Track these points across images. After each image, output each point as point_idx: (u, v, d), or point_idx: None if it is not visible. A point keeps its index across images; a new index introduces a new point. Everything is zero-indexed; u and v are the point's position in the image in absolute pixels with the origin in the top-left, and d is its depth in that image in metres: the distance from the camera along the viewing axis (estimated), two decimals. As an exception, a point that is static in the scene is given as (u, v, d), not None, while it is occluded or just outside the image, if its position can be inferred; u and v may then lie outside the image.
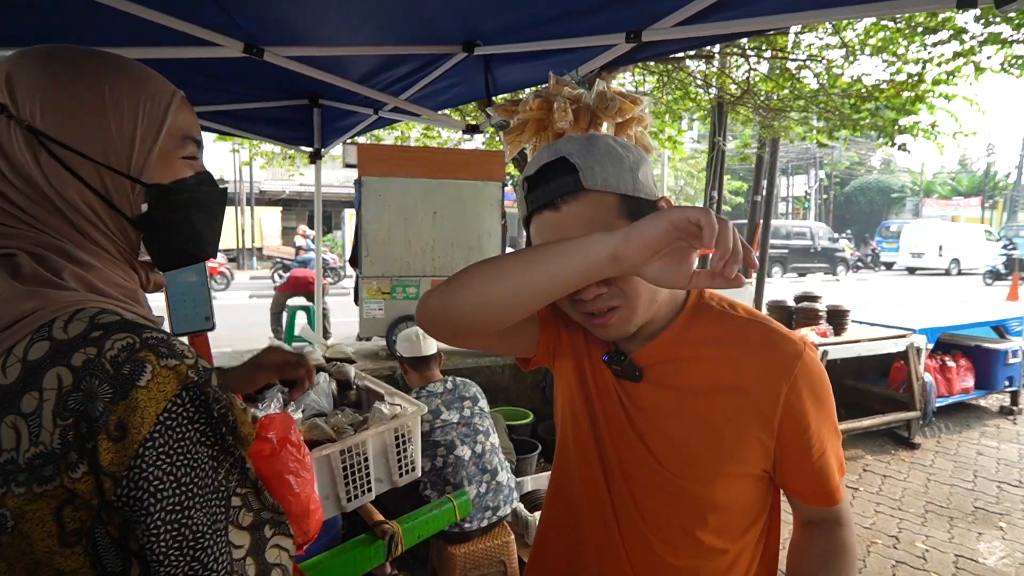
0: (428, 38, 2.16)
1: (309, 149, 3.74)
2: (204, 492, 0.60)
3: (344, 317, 7.87)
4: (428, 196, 6.27)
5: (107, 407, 0.55)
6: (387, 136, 8.90)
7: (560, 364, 0.98)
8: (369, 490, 1.53)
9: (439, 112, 2.83)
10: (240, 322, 9.29)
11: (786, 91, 6.40)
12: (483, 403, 2.70)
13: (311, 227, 7.61)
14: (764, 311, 5.51)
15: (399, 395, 1.73)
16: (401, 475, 1.63)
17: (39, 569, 0.57)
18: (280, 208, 23.14)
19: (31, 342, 0.57)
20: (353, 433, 1.51)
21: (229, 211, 21.27)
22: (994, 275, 18.96)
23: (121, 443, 0.55)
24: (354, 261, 6.51)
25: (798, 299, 4.96)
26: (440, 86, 2.54)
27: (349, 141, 7.39)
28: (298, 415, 1.49)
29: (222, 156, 15.47)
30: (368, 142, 8.04)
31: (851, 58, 5.89)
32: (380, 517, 1.50)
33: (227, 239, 21.51)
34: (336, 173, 19.21)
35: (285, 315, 7.18)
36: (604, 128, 1.66)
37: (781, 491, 0.92)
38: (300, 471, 1.17)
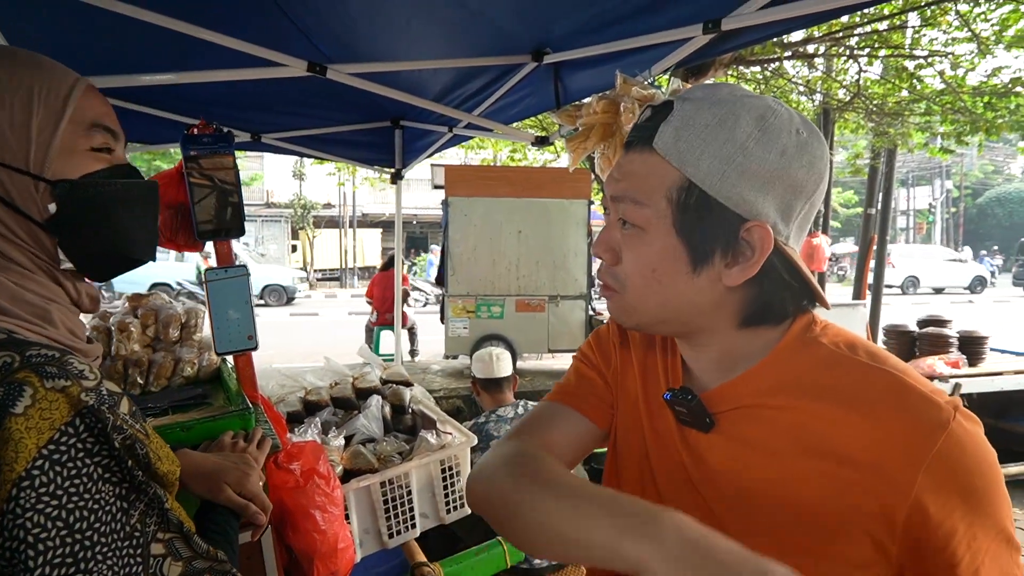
0: (498, 48, 2.11)
1: (391, 170, 3.81)
2: (109, 540, 0.50)
3: (431, 335, 8.00)
4: (513, 215, 6.28)
5: None
6: (475, 158, 9.06)
7: (617, 415, 0.81)
8: (413, 526, 1.43)
9: (511, 125, 2.77)
10: (338, 338, 9.74)
11: (903, 92, 5.78)
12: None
13: (408, 248, 7.84)
14: (880, 337, 4.93)
15: (451, 423, 1.62)
16: (449, 511, 1.51)
17: None
18: (381, 229, 24.29)
19: None
20: (400, 462, 1.42)
21: (333, 233, 22.67)
22: None
23: None
24: (440, 280, 6.63)
25: (922, 323, 4.38)
26: (511, 99, 2.49)
27: (434, 162, 7.60)
28: (339, 441, 1.42)
29: (325, 181, 16.49)
30: (457, 164, 8.22)
31: (984, 52, 5.21)
32: (422, 558, 1.39)
33: (331, 259, 22.88)
34: (433, 195, 19.94)
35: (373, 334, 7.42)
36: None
37: None
38: (328, 506, 1.08)
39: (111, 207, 0.65)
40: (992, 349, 4.31)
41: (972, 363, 4.06)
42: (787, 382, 0.63)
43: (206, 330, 1.52)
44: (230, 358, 1.46)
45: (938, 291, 20.51)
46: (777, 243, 0.60)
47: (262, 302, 15.96)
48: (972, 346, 4.11)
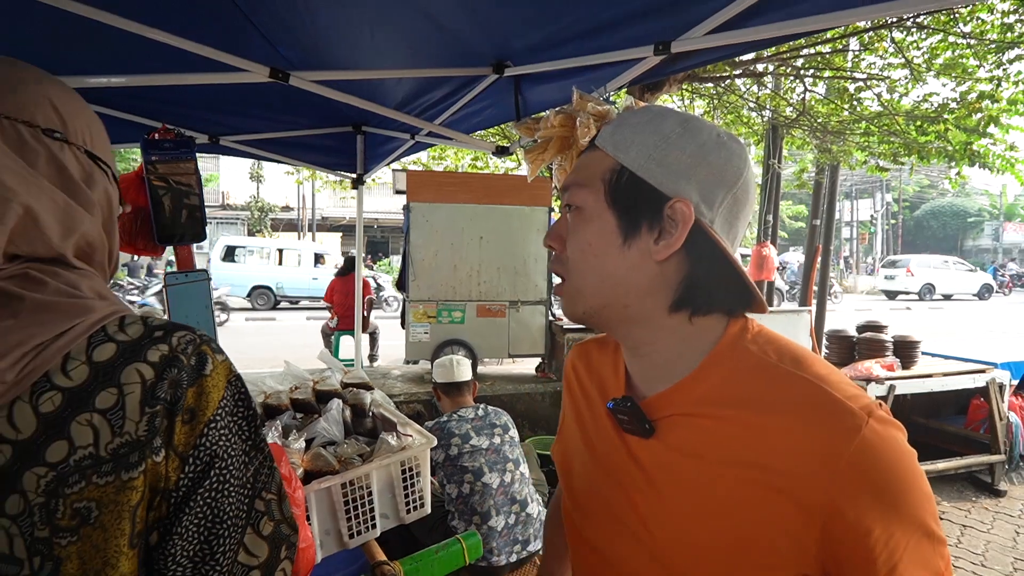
0: (459, 60, 2.15)
1: (352, 175, 3.81)
2: (235, 482, 0.63)
3: (392, 340, 7.95)
4: (475, 221, 6.32)
5: (182, 394, 0.60)
6: (437, 166, 9.06)
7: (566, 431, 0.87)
8: (373, 526, 1.45)
9: (471, 135, 2.82)
10: (296, 343, 9.55)
11: (845, 113, 6.11)
12: (513, 432, 2.63)
13: (366, 252, 7.76)
14: (824, 342, 5.18)
15: (411, 425, 1.65)
16: (409, 511, 1.54)
17: (104, 572, 0.58)
18: (341, 233, 23.93)
19: (91, 346, 0.60)
20: (361, 464, 1.44)
21: (292, 236, 22.19)
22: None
23: (191, 424, 0.60)
24: (401, 285, 6.60)
25: (861, 329, 4.64)
26: (472, 109, 2.54)
27: (398, 167, 7.57)
28: (300, 444, 1.43)
29: (284, 183, 16.17)
30: (418, 169, 8.20)
31: (916, 79, 5.56)
32: (382, 557, 1.42)
33: (288, 264, 22.38)
34: (395, 199, 19.79)
35: (333, 339, 7.33)
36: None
37: None
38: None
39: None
40: (924, 353, 4.59)
41: (905, 366, 4.32)
42: (716, 390, 0.66)
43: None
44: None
45: (947, 297, 21.98)
46: (702, 223, 0.65)
47: (248, 304, 15.39)
48: (906, 350, 4.37)
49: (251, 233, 21.59)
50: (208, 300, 1.26)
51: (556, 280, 0.79)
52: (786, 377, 0.63)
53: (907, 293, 21.72)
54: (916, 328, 5.56)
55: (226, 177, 23.04)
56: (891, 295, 22.30)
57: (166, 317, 1.47)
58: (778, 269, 7.40)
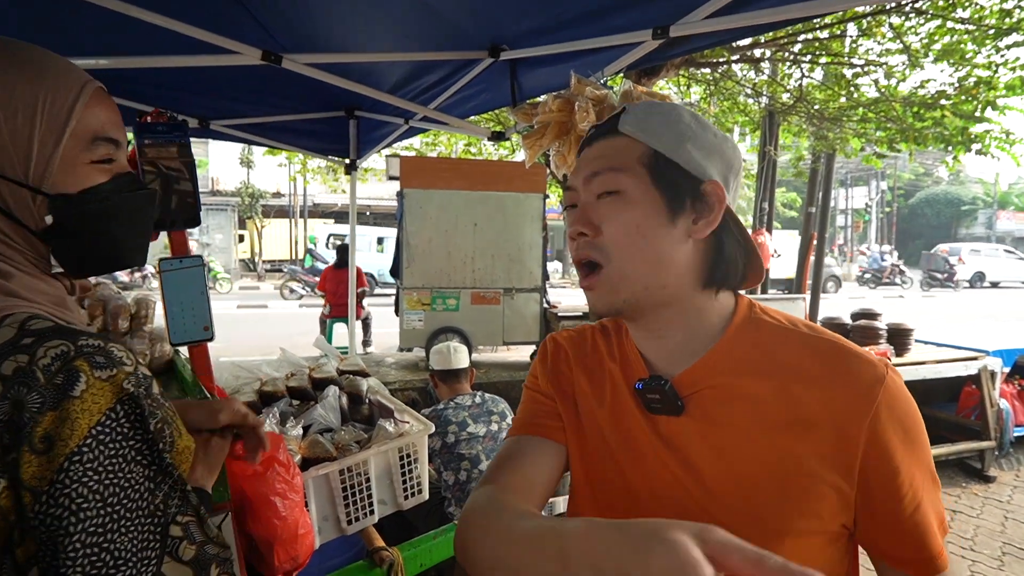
0: (454, 44, 2.12)
1: (346, 160, 3.77)
2: (135, 516, 0.56)
3: (386, 327, 7.94)
4: (469, 208, 6.29)
5: (33, 417, 0.52)
6: (430, 151, 9.00)
7: (570, 428, 0.83)
8: (371, 512, 1.45)
9: (466, 120, 2.79)
10: (291, 331, 9.53)
11: (842, 99, 6.09)
12: (511, 419, 2.63)
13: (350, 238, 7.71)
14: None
15: (408, 412, 1.65)
16: (407, 497, 1.54)
17: None
18: (332, 220, 23.79)
19: None
20: (358, 450, 1.44)
21: (283, 223, 22.06)
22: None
23: (46, 456, 0.52)
24: (395, 272, 6.58)
25: (855, 316, 4.66)
26: (467, 93, 2.51)
27: (389, 153, 7.52)
28: (297, 431, 1.43)
29: (275, 169, 16.05)
30: (411, 155, 8.14)
31: (914, 64, 5.54)
32: (380, 543, 1.42)
33: (280, 250, 22.29)
34: (388, 186, 19.68)
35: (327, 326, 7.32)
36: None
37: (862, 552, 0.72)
38: (288, 492, 1.10)
39: (106, 221, 0.66)
40: (917, 340, 4.62)
41: (899, 353, 4.35)
42: (743, 359, 0.71)
43: (157, 321, 1.50)
44: (183, 349, 1.44)
45: (994, 285, 22.32)
46: (727, 204, 0.71)
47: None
48: (899, 337, 4.40)
49: (241, 220, 21.43)
50: (203, 286, 1.24)
51: (574, 264, 0.76)
52: (809, 339, 0.71)
53: (958, 282, 21.84)
54: (910, 316, 5.59)
55: (216, 163, 22.84)
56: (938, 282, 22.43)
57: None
58: (773, 256, 7.40)
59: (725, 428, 0.69)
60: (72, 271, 0.68)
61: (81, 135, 0.63)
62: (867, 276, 22.24)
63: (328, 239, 17.92)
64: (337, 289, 7.05)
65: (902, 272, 22.12)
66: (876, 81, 5.78)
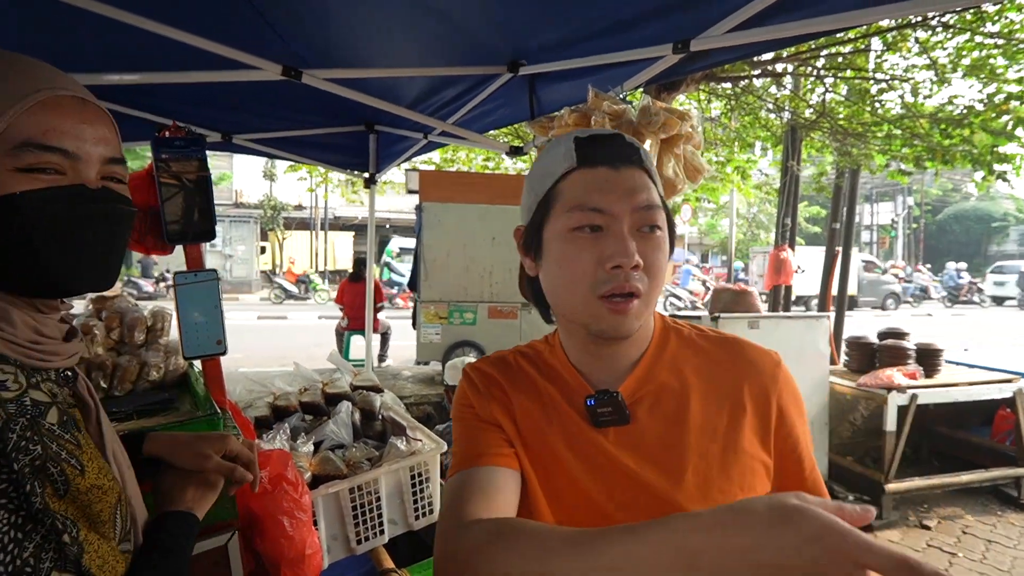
0: (474, 59, 2.13)
1: (365, 174, 3.80)
2: None
3: (403, 341, 7.96)
4: (487, 221, 6.28)
5: None
6: (449, 166, 9.06)
7: (521, 449, 0.80)
8: (381, 532, 1.43)
9: (485, 134, 2.80)
10: (309, 342, 9.59)
11: (867, 115, 5.99)
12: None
13: (378, 252, 7.76)
14: (843, 348, 5.08)
15: (421, 430, 1.62)
16: (418, 517, 1.51)
17: None
18: (353, 233, 24.05)
19: None
20: (369, 468, 1.42)
21: (304, 235, 22.36)
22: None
23: None
24: (413, 285, 6.60)
25: (882, 335, 4.53)
26: (486, 108, 2.51)
27: (408, 167, 7.57)
28: (309, 447, 1.41)
29: (296, 182, 16.31)
30: (430, 169, 8.20)
31: (941, 80, 5.43)
32: (390, 564, 1.39)
33: (301, 262, 22.58)
34: (407, 199, 19.87)
35: (344, 338, 7.35)
36: (647, 145, 1.52)
37: None
38: (295, 511, 1.08)
39: (33, 235, 0.58)
40: (947, 361, 4.47)
41: (928, 375, 4.21)
42: (670, 362, 0.81)
43: (173, 333, 1.50)
44: (197, 363, 1.44)
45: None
46: None
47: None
48: (928, 358, 4.26)
49: (264, 232, 21.77)
50: (217, 299, 1.24)
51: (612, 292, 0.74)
52: (718, 339, 0.84)
53: (1010, 298, 21.46)
54: (939, 336, 5.41)
55: (239, 176, 23.24)
56: (999, 300, 21.92)
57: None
58: (796, 272, 7.27)
59: (667, 425, 0.76)
60: (11, 288, 0.61)
61: (8, 139, 0.57)
62: (944, 295, 21.79)
63: (398, 252, 18.03)
64: (354, 302, 7.08)
65: (980, 291, 21.61)
66: (902, 97, 5.67)
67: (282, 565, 1.06)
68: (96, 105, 0.64)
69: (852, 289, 18.90)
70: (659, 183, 0.78)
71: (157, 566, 0.65)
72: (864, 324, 12.55)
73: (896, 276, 21.92)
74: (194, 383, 1.46)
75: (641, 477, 0.74)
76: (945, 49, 5.42)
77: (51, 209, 0.59)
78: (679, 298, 17.81)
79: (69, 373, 0.65)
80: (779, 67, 5.56)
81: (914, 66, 5.64)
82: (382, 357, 7.71)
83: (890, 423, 3.90)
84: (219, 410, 1.24)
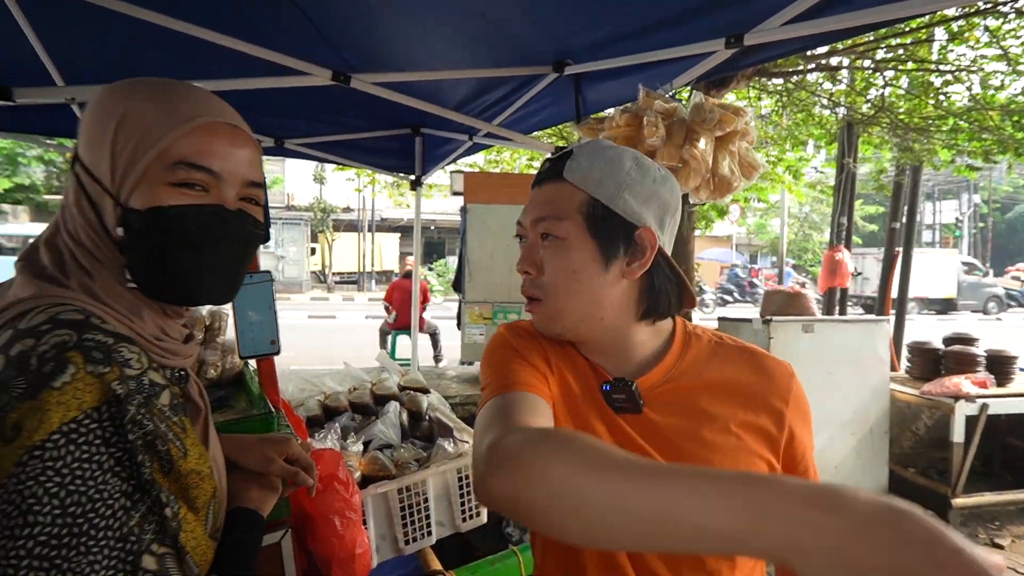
0: (518, 59, 2.12)
1: (411, 177, 3.85)
2: (101, 536, 0.50)
3: (447, 341, 8.03)
4: (531, 223, 6.27)
5: (11, 402, 0.49)
6: (492, 168, 9.09)
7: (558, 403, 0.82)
8: (429, 533, 1.43)
9: (530, 135, 2.79)
10: (357, 342, 9.80)
11: (930, 108, 5.68)
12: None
13: (426, 254, 7.85)
14: (904, 354, 4.83)
15: (467, 431, 1.62)
16: (465, 519, 1.51)
17: None
18: (399, 234, 24.45)
19: (5, 328, 0.55)
20: (417, 469, 1.43)
21: (352, 237, 22.87)
22: None
23: (10, 445, 0.48)
24: (457, 286, 6.65)
25: (948, 341, 4.29)
26: (532, 108, 2.51)
27: (453, 169, 7.64)
28: (358, 446, 1.43)
29: (345, 185, 16.68)
30: (474, 171, 8.25)
31: (1014, 70, 5.09)
32: (437, 565, 1.39)
33: (349, 263, 23.10)
34: (452, 201, 20.07)
35: (391, 338, 7.47)
36: (702, 144, 1.48)
37: None
38: (346, 511, 1.09)
39: (170, 245, 0.63)
40: (1022, 369, 4.20)
41: (1000, 383, 3.95)
42: (689, 367, 0.83)
43: (229, 333, 1.55)
44: (252, 361, 1.47)
45: None
46: (659, 245, 0.79)
47: None
48: (1000, 366, 4.00)
49: (314, 234, 22.37)
50: (271, 300, 1.27)
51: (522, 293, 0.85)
52: (736, 348, 0.86)
53: None
54: (1011, 342, 5.10)
55: (291, 179, 23.94)
56: None
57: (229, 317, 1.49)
58: (853, 275, 6.96)
59: (680, 420, 0.79)
60: (144, 290, 0.66)
61: (166, 156, 0.63)
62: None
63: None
64: (404, 298, 7.19)
65: None
66: (969, 88, 5.36)
67: (333, 564, 1.08)
68: (246, 132, 0.70)
69: (951, 292, 18.34)
70: (592, 185, 0.77)
71: (237, 561, 0.68)
72: (926, 330, 11.91)
73: (1019, 279, 20.34)
74: (249, 381, 1.50)
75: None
76: (1019, 38, 5.09)
77: (191, 224, 0.64)
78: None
79: (182, 373, 0.69)
80: (834, 60, 5.34)
81: (983, 57, 5.32)
82: (437, 358, 7.77)
83: (957, 434, 3.68)
84: (273, 408, 1.27)
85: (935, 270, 17.79)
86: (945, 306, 18.41)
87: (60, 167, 15.91)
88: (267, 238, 1.46)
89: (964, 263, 19.13)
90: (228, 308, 1.47)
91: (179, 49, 1.91)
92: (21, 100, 1.66)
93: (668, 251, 0.82)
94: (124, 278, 0.65)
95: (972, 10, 4.63)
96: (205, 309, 1.74)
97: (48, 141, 4.26)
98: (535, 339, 0.86)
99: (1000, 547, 3.59)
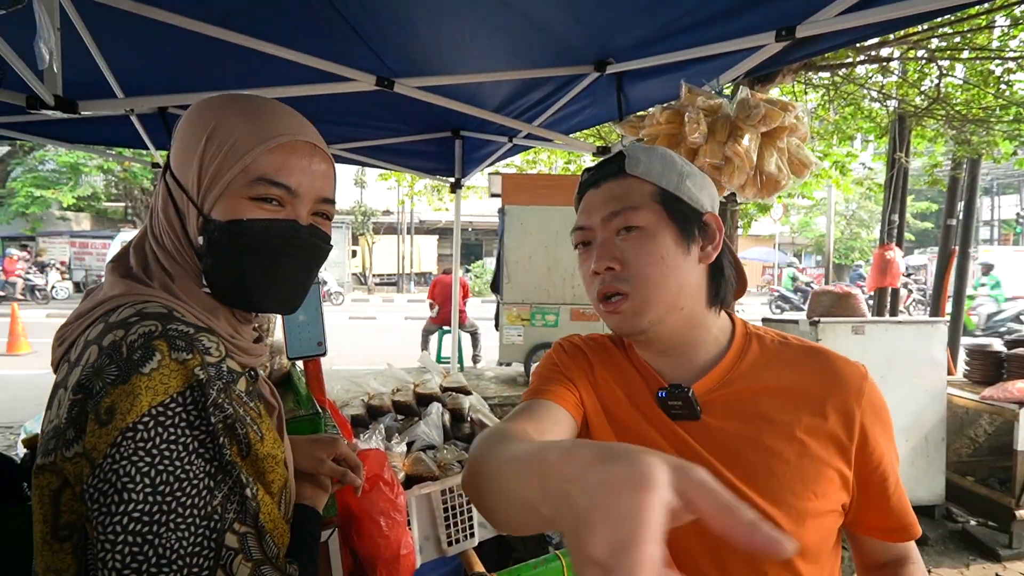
0: (559, 59, 2.11)
1: (451, 179, 3.88)
2: (188, 513, 0.53)
3: (485, 342, 8.07)
4: (569, 224, 6.02)
5: (105, 388, 0.53)
6: (531, 169, 9.08)
7: (606, 416, 0.85)
8: (472, 535, 1.43)
9: (570, 135, 2.77)
10: (396, 342, 9.95)
11: (990, 97, 5.40)
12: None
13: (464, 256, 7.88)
14: (962, 357, 4.61)
15: (509, 433, 1.62)
16: (507, 521, 1.51)
17: (37, 558, 0.54)
18: (437, 236, 24.71)
19: (97, 322, 0.59)
20: (459, 470, 1.43)
21: (391, 239, 23.22)
22: None
23: (105, 427, 0.52)
24: (495, 287, 6.67)
25: (1011, 344, 4.07)
26: (572, 109, 2.49)
27: (491, 171, 7.67)
28: (402, 447, 1.44)
29: (385, 189, 16.90)
30: (512, 172, 8.27)
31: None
32: (480, 567, 1.39)
33: (389, 264, 23.47)
34: (489, 203, 20.14)
35: (434, 337, 7.53)
36: (746, 140, 1.44)
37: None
38: (391, 511, 1.10)
39: (244, 256, 0.67)
40: (1091, 374, 3.95)
41: (1070, 389, 3.73)
42: (748, 369, 0.81)
43: (277, 334, 1.58)
44: (300, 362, 1.50)
45: None
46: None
47: None
48: (1068, 370, 3.78)
49: (355, 236, 22.80)
50: (319, 302, 1.30)
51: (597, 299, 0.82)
52: (799, 348, 0.83)
53: None
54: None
55: (334, 184, 24.50)
56: None
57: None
58: (905, 275, 6.68)
59: (740, 426, 0.77)
60: (216, 295, 0.69)
61: (249, 172, 0.66)
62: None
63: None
64: (448, 294, 7.25)
65: None
66: (1034, 76, 5.07)
67: (378, 564, 1.09)
68: (324, 151, 0.73)
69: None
70: (657, 176, 0.78)
71: (305, 553, 0.71)
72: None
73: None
74: (296, 382, 1.53)
75: (717, 471, 0.75)
76: (1088, 21, 4.80)
77: (266, 237, 0.67)
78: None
79: (253, 373, 0.72)
80: (885, 51, 5.13)
81: (1049, 42, 5.03)
82: (476, 358, 7.81)
83: (1021, 442, 3.49)
84: (320, 409, 1.30)
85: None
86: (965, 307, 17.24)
87: (118, 176, 16.65)
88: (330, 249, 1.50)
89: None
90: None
91: (232, 59, 1.97)
92: (85, 112, 1.75)
93: None
94: (201, 282, 0.69)
95: (1036, -6, 4.38)
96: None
97: (108, 151, 4.46)
98: (581, 353, 0.90)
99: (1071, 562, 3.38)
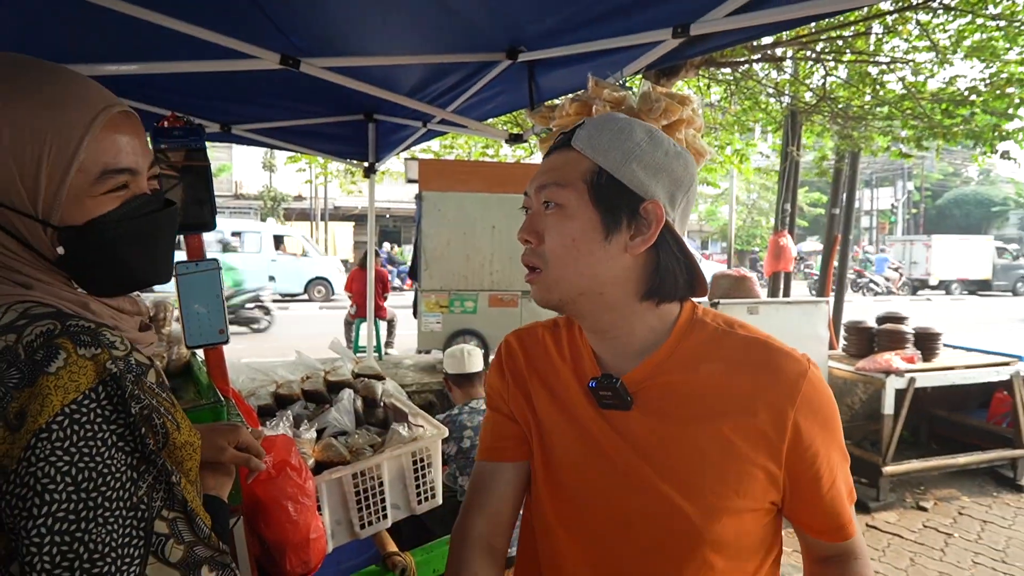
0: (471, 45, 2.12)
1: (364, 164, 3.79)
2: (114, 507, 0.53)
3: (404, 330, 7.99)
4: (487, 210, 6.26)
5: (10, 393, 0.52)
6: (448, 154, 9.02)
7: (532, 425, 0.89)
8: (385, 517, 1.45)
9: (484, 122, 2.78)
10: (310, 332, 9.62)
11: (867, 97, 5.96)
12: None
13: (379, 241, 7.73)
14: (842, 332, 5.09)
15: (422, 416, 1.64)
16: (420, 502, 1.53)
17: None
18: (353, 223, 24.02)
19: None
20: (372, 454, 1.43)
21: (304, 226, 22.33)
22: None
23: (16, 432, 0.51)
24: (413, 274, 6.60)
25: (881, 320, 4.54)
26: (485, 95, 2.50)
27: (408, 156, 7.55)
28: (311, 434, 1.42)
29: (296, 173, 16.22)
30: (429, 157, 8.18)
31: (942, 61, 5.39)
32: (393, 547, 1.41)
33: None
34: (407, 189, 19.79)
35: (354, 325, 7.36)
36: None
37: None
38: (299, 496, 1.10)
39: (116, 247, 0.65)
40: (945, 345, 4.49)
41: (926, 358, 4.22)
42: (686, 358, 0.79)
43: (176, 323, 1.51)
44: (200, 352, 1.45)
45: None
46: (667, 222, 0.75)
47: (305, 296, 15.33)
48: (927, 342, 4.28)
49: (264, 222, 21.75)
50: (219, 289, 1.25)
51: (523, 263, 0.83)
52: (742, 339, 0.79)
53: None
54: (939, 320, 5.43)
55: (239, 167, 23.14)
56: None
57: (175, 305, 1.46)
58: (796, 260, 7.26)
59: (669, 420, 0.76)
60: (96, 293, 0.67)
61: (89, 168, 0.61)
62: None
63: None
64: (363, 290, 7.09)
65: None
66: (903, 78, 5.64)
67: (287, 549, 1.08)
68: (135, 114, 0.69)
69: (987, 274, 20.08)
70: (599, 153, 0.74)
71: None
72: (865, 309, 12.53)
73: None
74: (197, 372, 1.47)
75: (633, 460, 0.77)
76: (947, 31, 5.38)
77: (129, 222, 0.65)
78: (876, 284, 18.84)
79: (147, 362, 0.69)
80: (779, 51, 5.52)
81: (915, 48, 5.61)
82: (388, 344, 7.71)
83: (888, 406, 3.92)
84: (222, 398, 1.26)
85: (973, 254, 19.94)
86: (981, 287, 20.36)
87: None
88: (213, 225, 1.43)
89: (997, 247, 20.73)
90: (173, 298, 1.43)
91: (115, 29, 1.82)
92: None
93: (681, 231, 0.78)
94: (70, 285, 0.66)
95: (906, 4, 4.86)
96: (149, 300, 1.69)
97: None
98: (516, 363, 0.91)
99: (924, 509, 3.86)
